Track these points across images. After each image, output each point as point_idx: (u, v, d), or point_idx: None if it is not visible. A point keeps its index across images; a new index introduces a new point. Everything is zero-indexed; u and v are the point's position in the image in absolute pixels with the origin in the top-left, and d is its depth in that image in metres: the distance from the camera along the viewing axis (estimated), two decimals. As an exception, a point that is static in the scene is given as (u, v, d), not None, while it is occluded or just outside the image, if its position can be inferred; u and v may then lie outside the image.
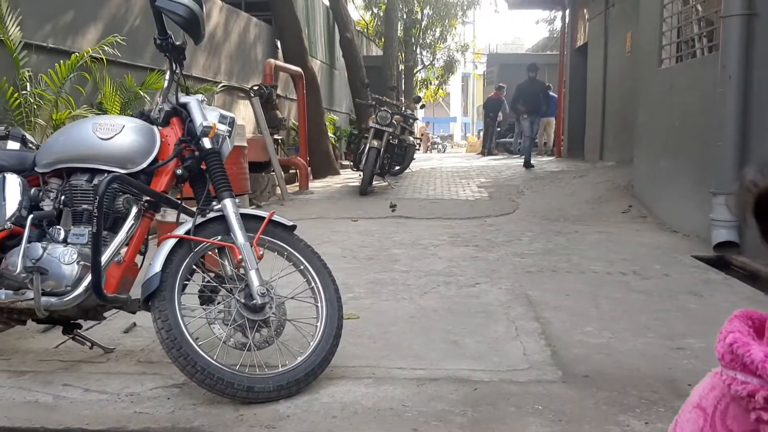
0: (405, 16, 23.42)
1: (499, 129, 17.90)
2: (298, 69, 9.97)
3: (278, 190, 8.52)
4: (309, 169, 10.05)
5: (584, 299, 3.69)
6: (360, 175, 9.06)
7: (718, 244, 4.73)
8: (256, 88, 8.78)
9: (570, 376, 2.59)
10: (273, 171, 8.41)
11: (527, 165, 11.53)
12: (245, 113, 10.55)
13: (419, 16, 24.46)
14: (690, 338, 2.99)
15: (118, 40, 6.08)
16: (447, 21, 25.33)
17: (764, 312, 0.58)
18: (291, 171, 10.04)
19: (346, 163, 13.17)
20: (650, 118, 6.75)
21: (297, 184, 9.61)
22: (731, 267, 4.56)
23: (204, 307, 2.61)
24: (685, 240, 5.36)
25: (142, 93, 6.47)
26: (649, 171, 6.74)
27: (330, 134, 12.74)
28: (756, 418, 0.52)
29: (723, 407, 0.55)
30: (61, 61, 5.72)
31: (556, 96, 14.92)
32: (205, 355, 2.32)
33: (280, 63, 10.11)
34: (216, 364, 2.32)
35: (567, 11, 14.07)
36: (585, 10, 12.43)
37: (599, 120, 10.94)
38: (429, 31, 25.44)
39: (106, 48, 6.05)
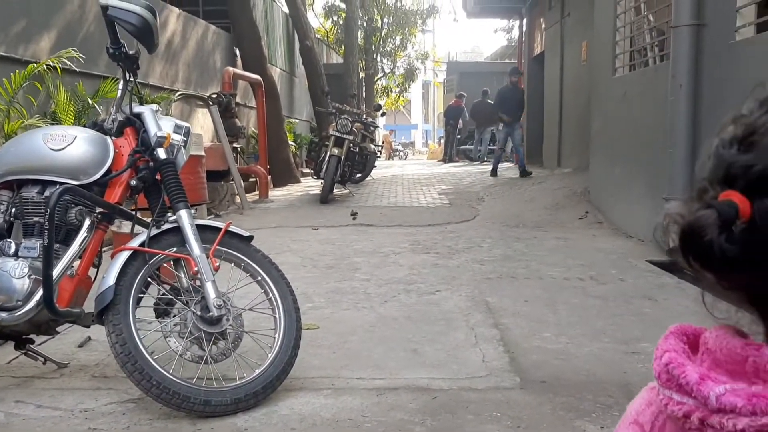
0: (365, 25, 23.46)
1: (459, 136, 18.07)
2: (258, 77, 9.92)
3: (237, 199, 8.44)
4: (269, 177, 9.99)
5: (542, 305, 3.74)
6: (321, 183, 9.04)
7: (671, 248, 4.82)
8: (214, 96, 8.71)
9: (528, 382, 2.62)
10: (232, 180, 8.33)
11: (494, 173, 11.53)
12: (204, 122, 10.44)
13: (379, 25, 24.54)
14: (644, 342, 3.05)
15: (75, 54, 5.98)
16: (407, 29, 25.47)
17: (698, 326, 0.59)
18: (251, 179, 9.96)
19: (307, 171, 13.12)
20: (605, 126, 6.89)
21: (257, 192, 9.54)
22: (684, 271, 4.65)
23: (159, 320, 2.57)
24: (640, 245, 5.47)
25: (92, 102, 6.34)
26: (605, 177, 6.86)
27: (290, 142, 12.68)
28: None
29: (660, 424, 0.56)
30: (17, 71, 5.58)
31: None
32: (160, 369, 2.29)
33: (239, 71, 10.05)
34: (172, 377, 2.29)
35: (524, 20, 14.30)
36: (542, 20, 12.65)
37: (556, 127, 11.13)
38: (389, 40, 25.55)
39: (63, 59, 5.93)
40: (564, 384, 2.60)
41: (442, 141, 20.85)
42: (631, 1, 6.11)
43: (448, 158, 17.76)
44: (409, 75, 27.05)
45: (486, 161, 16.66)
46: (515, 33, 20.75)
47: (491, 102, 16.24)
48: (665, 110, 4.92)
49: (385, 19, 24.70)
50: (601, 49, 7.02)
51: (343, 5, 21.60)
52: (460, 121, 17.42)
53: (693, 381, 0.52)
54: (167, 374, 2.29)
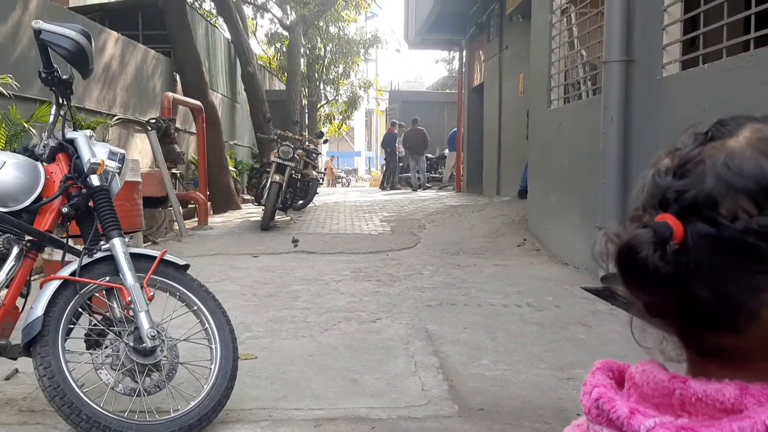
0: (308, 52, 23.58)
1: (401, 164, 18.28)
2: (198, 102, 9.82)
3: (176, 226, 8.29)
4: (209, 203, 9.85)
5: (481, 332, 3.78)
6: (262, 210, 8.96)
7: (605, 275, 4.96)
8: (153, 121, 8.57)
9: (466, 410, 2.64)
10: (170, 206, 8.18)
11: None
12: (142, 147, 10.25)
13: (322, 53, 24.68)
14: (579, 368, 3.12)
15: (10, 81, 5.81)
16: (350, 58, 25.69)
17: (623, 363, 0.61)
18: (190, 206, 9.81)
19: (248, 197, 12.99)
20: (541, 156, 7.07)
21: (196, 219, 9.39)
22: (617, 298, 4.78)
23: (91, 351, 2.49)
24: (575, 272, 5.61)
25: (28, 126, 6.16)
26: (542, 206, 7.03)
27: (231, 168, 12.55)
28: None
29: None
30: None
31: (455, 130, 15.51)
32: (90, 403, 2.21)
33: (179, 96, 9.93)
34: (103, 411, 2.22)
35: (464, 52, 14.62)
36: (481, 52, 12.96)
37: (495, 156, 11.37)
38: (332, 67, 25.72)
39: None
40: (501, 411, 2.63)
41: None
42: (565, 37, 6.34)
43: (390, 186, 17.92)
44: (352, 103, 27.25)
45: (428, 187, 16.89)
46: (455, 64, 21.23)
47: (422, 129, 16.65)
48: (598, 142, 5.09)
49: (328, 48, 24.87)
50: (536, 82, 7.23)
51: (285, 33, 21.67)
52: (402, 148, 17.63)
53: (623, 415, 0.53)
54: (98, 408, 2.22)
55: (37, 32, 2.40)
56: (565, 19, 6.34)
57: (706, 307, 0.51)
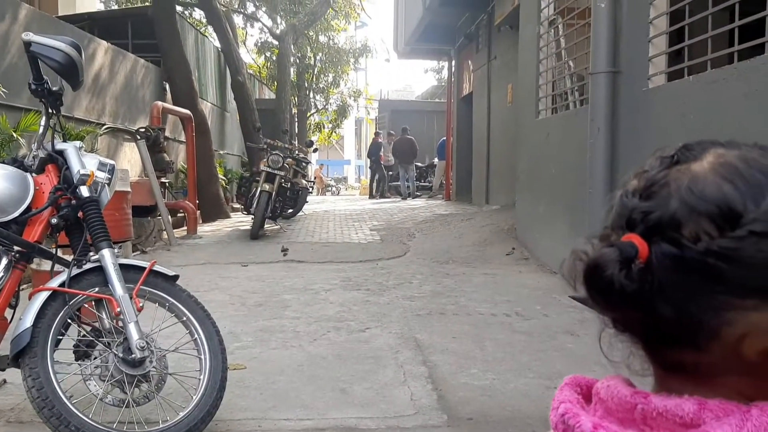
0: (298, 61, 23.62)
1: (390, 173, 18.32)
2: (187, 111, 9.81)
3: (165, 235, 8.27)
4: (198, 212, 9.83)
5: (470, 341, 3.80)
6: (251, 219, 8.95)
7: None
8: (142, 130, 8.56)
9: (455, 419, 2.65)
10: (159, 215, 8.16)
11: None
12: (131, 156, 10.23)
13: (312, 62, 24.74)
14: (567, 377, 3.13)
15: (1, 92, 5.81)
16: (340, 67, 25.76)
17: (591, 378, 0.63)
18: (179, 215, 9.78)
19: (237, 206, 12.97)
20: (530, 165, 7.12)
21: (185, 228, 9.37)
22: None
23: (79, 362, 2.48)
24: (563, 281, 5.61)
25: (16, 136, 6.14)
26: (530, 215, 7.07)
27: (221, 177, 12.54)
28: None
29: None
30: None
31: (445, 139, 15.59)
32: (79, 414, 2.21)
33: (168, 105, 9.92)
34: (91, 422, 2.22)
35: (453, 62, 14.70)
36: (470, 62, 13.04)
37: (484, 165, 11.42)
38: (322, 76, 25.77)
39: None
40: (490, 421, 2.64)
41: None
42: (553, 47, 6.40)
43: (380, 194, 17.95)
44: (342, 112, 27.31)
45: (417, 195, 16.93)
46: (445, 74, 21.31)
47: (411, 138, 16.72)
48: (585, 152, 5.13)
49: (318, 57, 24.93)
50: (525, 92, 7.29)
51: (275, 42, 21.70)
52: (391, 157, 17.67)
53: (587, 430, 0.55)
54: (86, 419, 2.21)
55: (27, 44, 2.41)
56: (552, 30, 6.40)
57: (669, 325, 0.53)
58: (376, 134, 19.05)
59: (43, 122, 2.59)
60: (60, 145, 2.58)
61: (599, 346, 0.60)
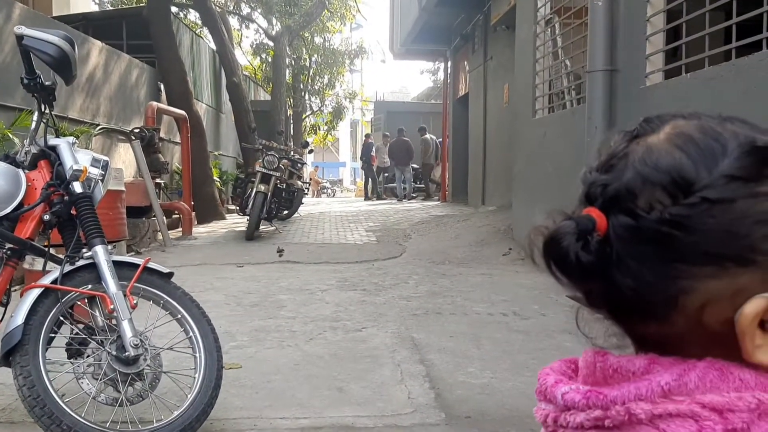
0: (293, 63, 23.58)
1: (386, 174, 18.32)
2: (182, 112, 9.77)
3: (160, 236, 8.22)
4: (193, 213, 9.79)
5: (467, 340, 3.77)
6: (246, 220, 8.92)
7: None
8: (137, 130, 8.51)
9: (453, 417, 2.63)
10: (154, 216, 8.12)
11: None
12: (126, 156, 10.19)
13: (308, 63, 24.69)
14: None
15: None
16: (335, 69, 25.73)
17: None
18: (174, 216, 9.73)
19: (233, 207, 12.94)
20: (526, 165, 7.10)
21: (180, 229, 9.32)
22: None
23: (72, 360, 2.45)
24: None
25: (10, 135, 6.10)
26: (527, 215, 7.05)
27: (216, 178, 12.49)
28: None
29: None
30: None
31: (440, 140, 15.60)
32: (71, 413, 2.17)
33: (163, 106, 9.88)
34: (84, 421, 2.18)
35: (449, 63, 14.70)
36: (465, 63, 13.03)
37: (480, 166, 11.41)
38: (317, 78, 25.72)
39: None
40: (488, 419, 2.62)
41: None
42: (549, 47, 6.39)
43: (376, 196, 17.93)
44: (337, 113, 27.28)
45: (414, 197, 16.91)
46: (440, 75, 21.34)
47: (407, 139, 16.70)
48: (582, 151, 5.12)
49: (314, 58, 24.89)
50: (521, 92, 7.27)
51: (271, 43, 21.68)
52: (386, 158, 17.66)
53: (549, 384, 0.57)
54: (79, 418, 2.18)
55: (20, 38, 2.38)
56: (549, 29, 6.39)
57: (629, 296, 0.53)
58: (367, 136, 19.14)
59: (35, 117, 2.56)
60: (53, 141, 2.54)
61: (576, 324, 0.60)
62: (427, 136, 17.07)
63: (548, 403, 0.56)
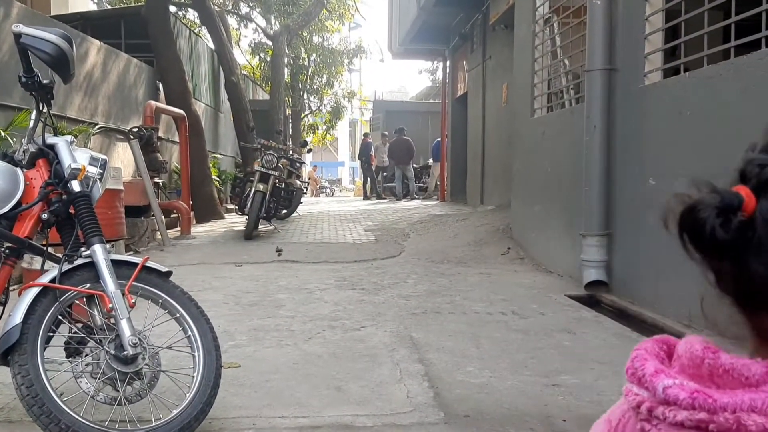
0: (292, 62, 23.57)
1: (385, 174, 18.30)
2: (181, 111, 9.76)
3: (158, 235, 8.21)
4: (191, 213, 9.78)
5: (466, 339, 3.77)
6: (245, 219, 8.91)
7: (589, 283, 4.99)
8: (135, 130, 8.50)
9: (452, 416, 2.62)
10: (153, 215, 8.11)
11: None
12: (124, 156, 10.18)
13: (306, 63, 24.67)
14: (564, 375, 3.12)
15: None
16: (334, 68, 25.70)
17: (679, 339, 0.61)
18: (172, 215, 9.73)
19: (231, 207, 12.92)
20: (525, 165, 7.10)
21: (179, 228, 9.31)
22: (601, 305, 4.82)
23: (70, 360, 2.44)
24: (559, 280, 5.62)
25: (5, 135, 6.09)
26: (525, 214, 7.06)
27: (215, 177, 12.48)
28: (640, 428, 0.54)
29: (626, 420, 0.57)
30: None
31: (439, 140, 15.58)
32: (70, 412, 2.17)
33: (162, 105, 9.87)
34: (83, 420, 2.17)
35: (447, 62, 14.69)
36: (464, 62, 13.03)
37: (479, 166, 11.40)
38: (316, 77, 25.69)
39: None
40: (487, 418, 2.61)
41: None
42: (548, 46, 6.38)
43: (376, 196, 17.93)
44: (336, 113, 27.24)
45: (416, 197, 16.90)
46: (439, 74, 21.32)
47: (407, 139, 16.67)
48: (581, 150, 5.12)
49: (312, 58, 24.87)
50: (520, 91, 7.27)
51: (269, 43, 21.66)
52: (385, 158, 17.65)
53: (648, 373, 0.55)
54: (78, 417, 2.17)
55: (17, 36, 2.37)
56: (547, 28, 6.38)
57: (760, 285, 0.50)
58: (366, 135, 19.16)
59: (33, 116, 2.55)
60: (51, 139, 2.54)
61: (701, 309, 0.57)
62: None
63: (643, 389, 0.54)
